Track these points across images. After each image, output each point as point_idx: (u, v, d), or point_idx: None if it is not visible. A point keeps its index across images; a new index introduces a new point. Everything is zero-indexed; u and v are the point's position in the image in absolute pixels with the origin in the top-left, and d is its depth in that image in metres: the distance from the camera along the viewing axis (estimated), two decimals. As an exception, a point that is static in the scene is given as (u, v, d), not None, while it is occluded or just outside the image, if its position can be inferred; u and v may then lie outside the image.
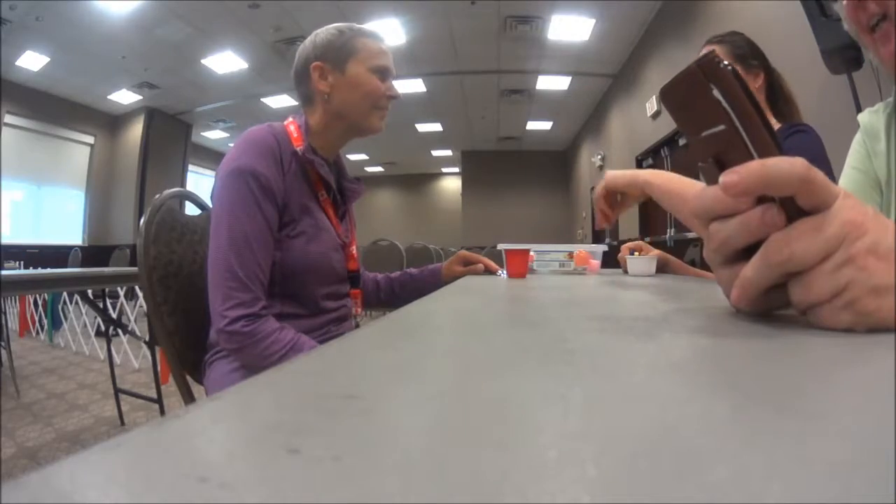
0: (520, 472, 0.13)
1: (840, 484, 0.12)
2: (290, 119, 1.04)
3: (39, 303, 4.76)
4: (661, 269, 1.30)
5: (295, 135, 1.00)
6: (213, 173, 8.35)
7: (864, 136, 0.84)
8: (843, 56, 2.18)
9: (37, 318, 4.81)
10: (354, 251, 1.10)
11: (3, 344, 3.18)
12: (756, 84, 1.22)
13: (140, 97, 7.92)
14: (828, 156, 1.18)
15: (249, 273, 0.88)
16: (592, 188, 8.07)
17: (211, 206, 0.96)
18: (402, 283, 1.30)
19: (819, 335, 0.31)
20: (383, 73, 1.03)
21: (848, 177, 0.84)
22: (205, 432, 0.16)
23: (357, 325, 1.14)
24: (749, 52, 1.22)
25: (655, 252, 1.32)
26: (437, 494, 0.12)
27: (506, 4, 5.42)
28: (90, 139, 8.32)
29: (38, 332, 4.78)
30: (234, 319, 0.86)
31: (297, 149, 0.97)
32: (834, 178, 1.04)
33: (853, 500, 0.12)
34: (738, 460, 0.14)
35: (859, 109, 2.21)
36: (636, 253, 1.32)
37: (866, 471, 0.13)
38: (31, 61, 6.39)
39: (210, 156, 10.43)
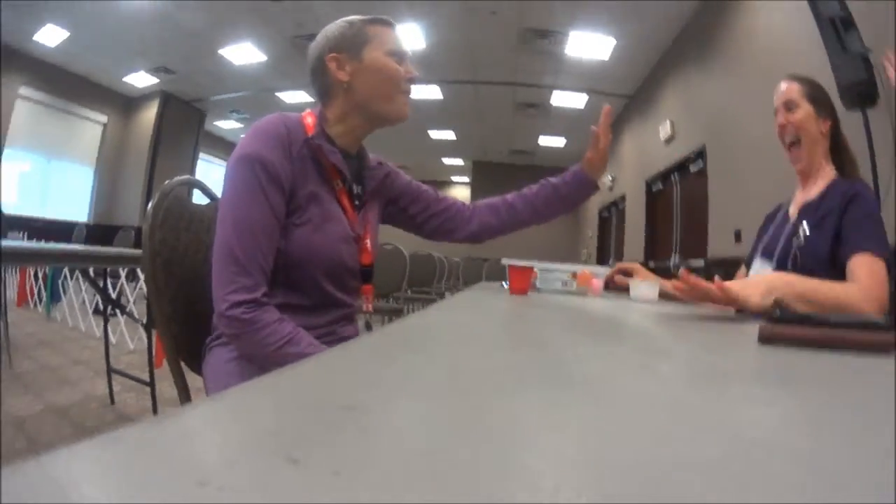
0: (517, 489, 0.13)
1: (840, 484, 0.12)
2: (308, 110, 1.03)
3: (40, 275, 4.77)
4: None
5: (310, 123, 0.99)
6: (223, 163, 8.35)
7: None
8: (860, 91, 2.18)
9: (36, 290, 4.81)
10: (369, 244, 1.05)
11: (-1, 314, 3.17)
12: (823, 129, 1.24)
13: (156, 80, 7.95)
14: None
15: (251, 259, 0.88)
16: (613, 220, 8.15)
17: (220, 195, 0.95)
18: (546, 197, 1.20)
19: (820, 359, 0.31)
20: (400, 56, 1.02)
21: None
22: (205, 435, 0.17)
23: (368, 325, 1.13)
24: (821, 98, 1.26)
25: (651, 276, 1.30)
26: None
27: (526, 17, 5.44)
28: (103, 118, 8.36)
29: (35, 304, 4.79)
30: (234, 304, 0.86)
31: (309, 135, 0.96)
32: (885, 227, 1.07)
33: (853, 500, 0.12)
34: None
35: (871, 146, 2.21)
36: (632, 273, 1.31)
37: (866, 471, 0.13)
38: (51, 36, 6.43)
39: (222, 145, 10.46)
